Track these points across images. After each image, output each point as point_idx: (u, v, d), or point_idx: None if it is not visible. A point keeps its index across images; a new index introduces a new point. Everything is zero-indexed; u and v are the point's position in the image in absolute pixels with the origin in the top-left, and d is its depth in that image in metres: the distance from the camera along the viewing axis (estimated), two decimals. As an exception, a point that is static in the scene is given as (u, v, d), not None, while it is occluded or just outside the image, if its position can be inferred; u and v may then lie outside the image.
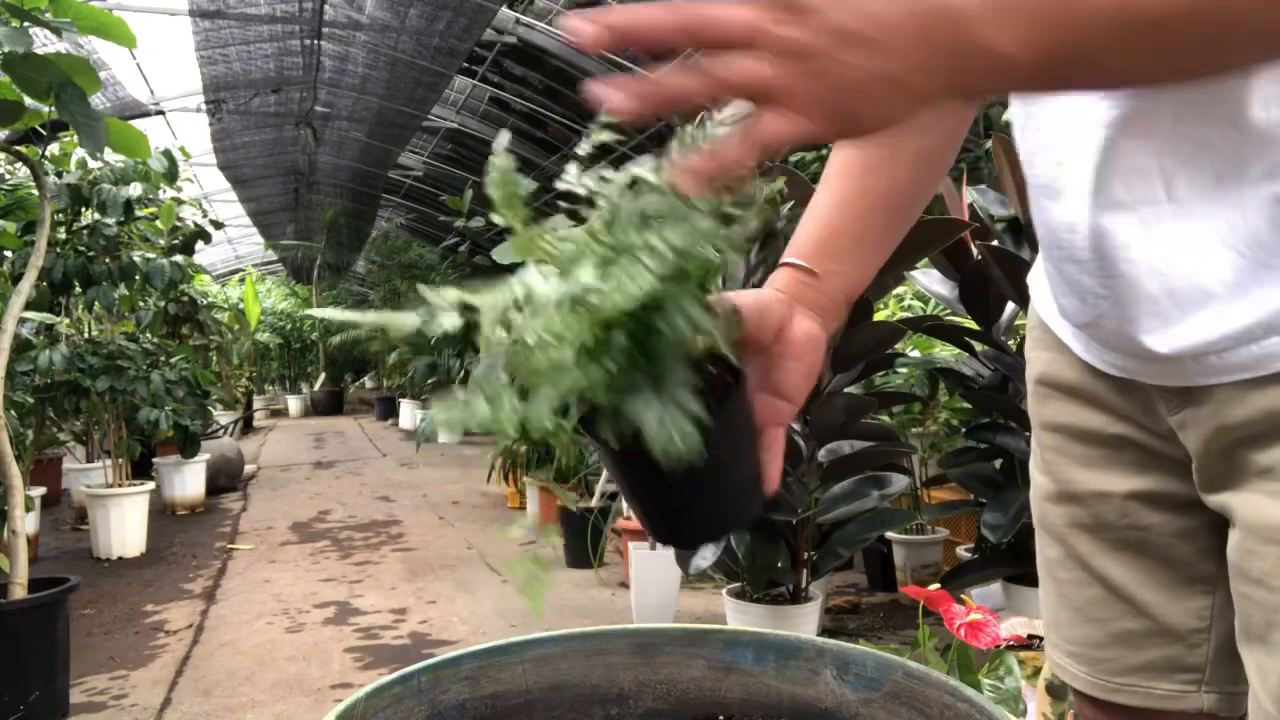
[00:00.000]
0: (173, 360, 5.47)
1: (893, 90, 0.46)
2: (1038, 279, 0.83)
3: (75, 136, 2.72)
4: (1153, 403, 0.73)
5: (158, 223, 5.59)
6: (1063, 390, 0.80)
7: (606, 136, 0.57)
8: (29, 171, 3.52)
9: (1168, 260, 0.64)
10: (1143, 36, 0.45)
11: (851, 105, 0.46)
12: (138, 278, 4.98)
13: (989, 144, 3.61)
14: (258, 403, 14.02)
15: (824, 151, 5.18)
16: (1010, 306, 2.76)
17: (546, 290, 0.55)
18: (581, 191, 0.57)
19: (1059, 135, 0.68)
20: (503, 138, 0.61)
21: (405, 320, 0.59)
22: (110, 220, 4.71)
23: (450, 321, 0.59)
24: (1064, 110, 0.67)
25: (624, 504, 4.06)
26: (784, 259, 0.73)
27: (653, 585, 3.49)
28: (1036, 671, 1.78)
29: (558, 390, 0.54)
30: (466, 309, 0.59)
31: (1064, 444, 0.81)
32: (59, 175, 4.53)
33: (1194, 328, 0.64)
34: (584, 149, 0.58)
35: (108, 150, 2.85)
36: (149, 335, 5.76)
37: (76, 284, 4.76)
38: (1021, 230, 2.68)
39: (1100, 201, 0.66)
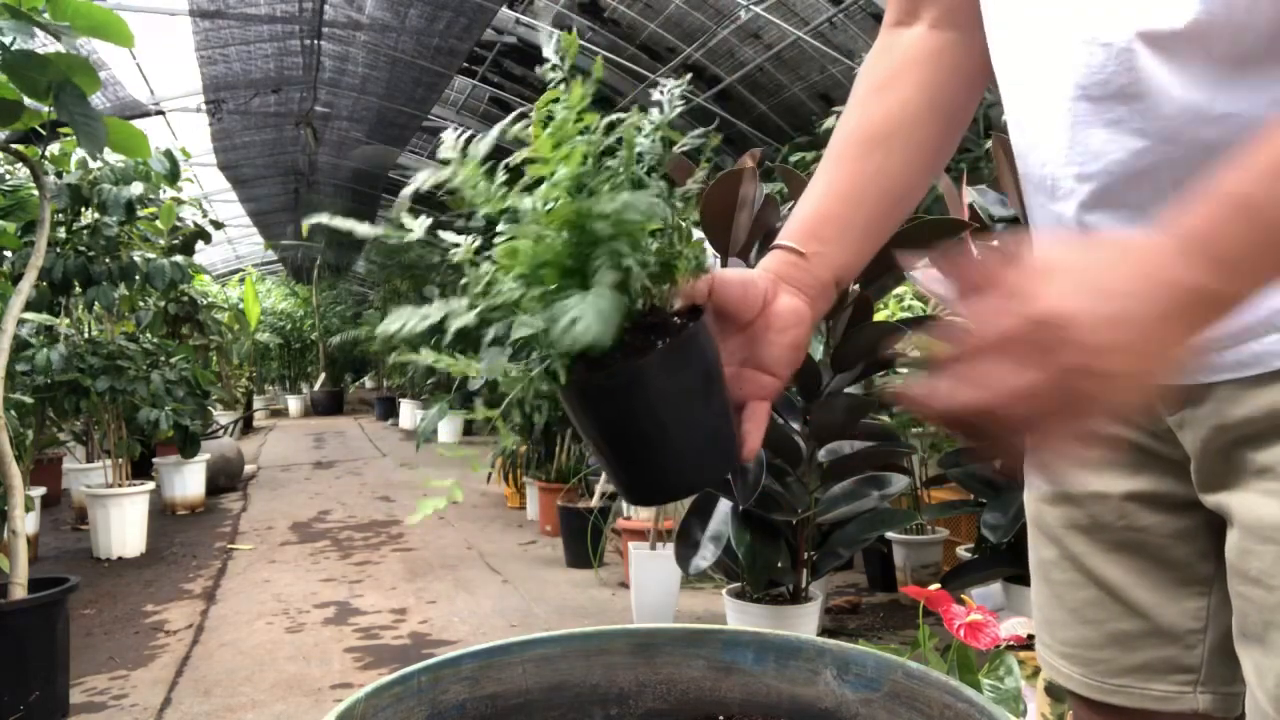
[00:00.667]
0: (173, 360, 5.47)
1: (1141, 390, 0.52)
2: None
3: (75, 136, 2.73)
4: (1151, 402, 0.73)
5: (158, 223, 5.60)
6: None
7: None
8: (29, 171, 3.52)
9: None
10: None
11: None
12: (138, 278, 4.98)
13: (989, 144, 3.61)
14: (258, 403, 14.02)
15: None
16: (1010, 306, 2.75)
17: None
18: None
19: (1044, 135, 0.68)
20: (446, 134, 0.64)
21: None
22: (111, 220, 4.71)
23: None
24: (1049, 112, 0.67)
25: (624, 503, 4.05)
26: (775, 242, 0.75)
27: (653, 585, 3.49)
28: (1036, 671, 1.78)
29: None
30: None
31: None
32: (59, 175, 4.53)
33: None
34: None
35: (108, 150, 2.85)
36: (149, 335, 5.76)
37: (76, 284, 4.76)
38: (1022, 230, 2.68)
39: (1089, 201, 0.66)
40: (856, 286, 2.52)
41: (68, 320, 5.07)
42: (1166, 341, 0.50)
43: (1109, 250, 0.52)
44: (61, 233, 4.71)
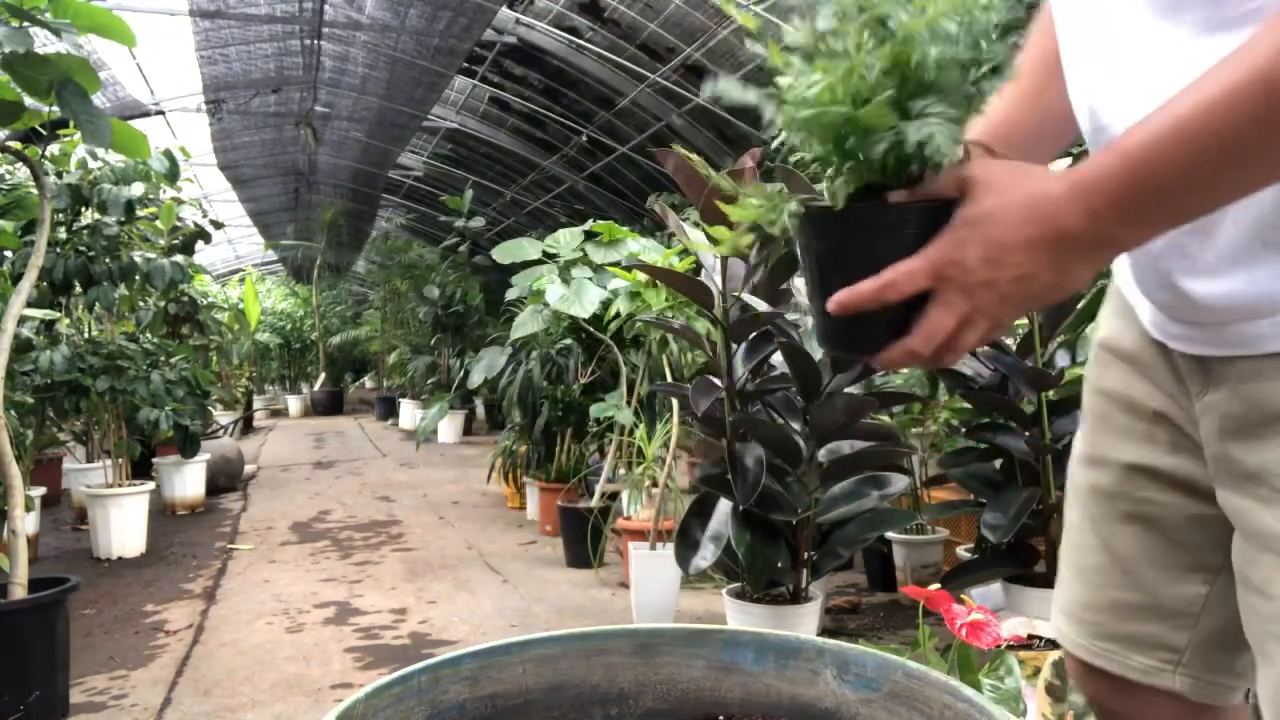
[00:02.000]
0: (173, 360, 5.47)
1: (1046, 289, 0.62)
2: None
3: (76, 136, 2.73)
4: (1185, 383, 0.74)
5: (158, 223, 5.59)
6: (1121, 356, 0.82)
7: None
8: (28, 171, 3.52)
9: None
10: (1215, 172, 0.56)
11: (1018, 309, 0.64)
12: (138, 278, 4.98)
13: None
14: (258, 403, 14.02)
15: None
16: (1010, 306, 2.75)
17: None
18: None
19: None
20: None
21: None
22: (111, 220, 4.71)
23: None
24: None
25: (624, 503, 4.05)
26: (970, 139, 0.77)
27: (653, 585, 3.49)
28: (1036, 671, 1.78)
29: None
30: None
31: (1109, 411, 0.83)
32: (59, 175, 4.53)
33: (1229, 285, 0.64)
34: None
35: (108, 150, 2.85)
36: (149, 335, 5.76)
37: (77, 284, 4.76)
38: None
39: None
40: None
41: (68, 320, 5.07)
42: (1053, 270, 0.61)
43: (1016, 197, 0.61)
44: (61, 233, 4.71)
